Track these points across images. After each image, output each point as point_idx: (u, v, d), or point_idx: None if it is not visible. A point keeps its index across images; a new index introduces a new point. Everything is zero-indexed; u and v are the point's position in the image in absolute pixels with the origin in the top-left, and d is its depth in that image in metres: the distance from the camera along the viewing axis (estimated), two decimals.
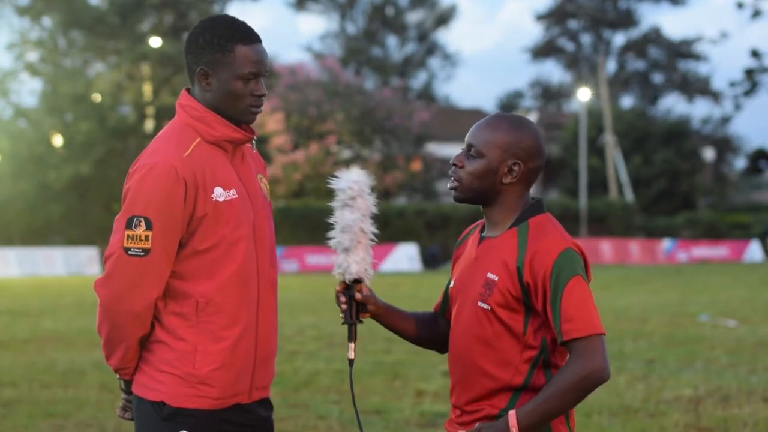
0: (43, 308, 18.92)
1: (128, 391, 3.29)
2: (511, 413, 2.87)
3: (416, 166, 46.77)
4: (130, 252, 3.08)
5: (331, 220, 3.08)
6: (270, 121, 42.40)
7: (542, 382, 2.97)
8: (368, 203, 3.07)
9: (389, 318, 3.20)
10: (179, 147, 3.14)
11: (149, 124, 44.73)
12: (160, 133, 3.25)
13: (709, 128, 66.50)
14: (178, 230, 3.11)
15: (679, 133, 55.71)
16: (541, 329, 2.96)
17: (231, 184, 3.18)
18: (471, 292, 3.03)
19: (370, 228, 3.07)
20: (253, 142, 3.34)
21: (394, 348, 12.40)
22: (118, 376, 3.28)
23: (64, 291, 24.58)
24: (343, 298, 3.11)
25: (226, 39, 3.15)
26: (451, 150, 58.42)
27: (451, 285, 3.16)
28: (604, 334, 2.89)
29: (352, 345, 3.12)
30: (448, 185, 3.09)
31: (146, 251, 3.07)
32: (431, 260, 38.32)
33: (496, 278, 2.96)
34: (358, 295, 3.10)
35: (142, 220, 3.07)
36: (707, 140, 63.62)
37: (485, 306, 2.98)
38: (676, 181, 55.04)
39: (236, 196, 3.18)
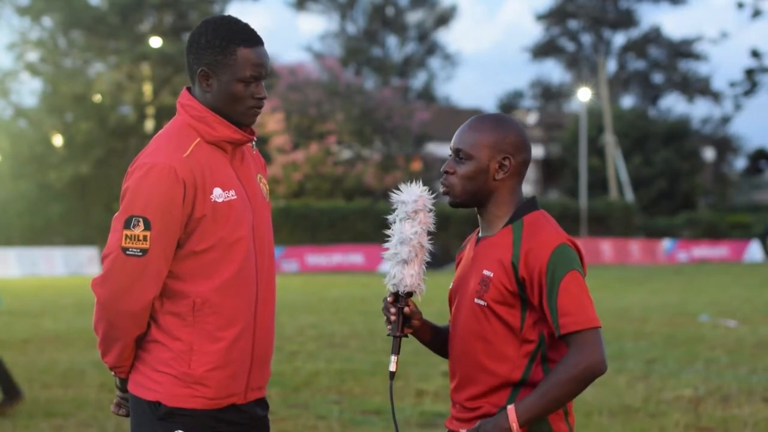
0: (43, 308, 18.91)
1: (123, 388, 3.30)
2: (510, 407, 2.90)
3: (416, 166, 46.74)
4: (128, 252, 3.07)
5: (388, 232, 3.09)
6: (270, 121, 42.39)
7: (540, 377, 2.99)
8: (429, 219, 3.10)
9: (427, 334, 3.21)
10: (179, 147, 3.14)
11: (149, 124, 44.74)
12: (160, 132, 3.24)
13: (709, 128, 66.52)
14: (176, 231, 3.10)
15: (679, 133, 55.71)
16: (538, 324, 2.99)
17: (230, 184, 3.18)
18: (467, 290, 3.07)
19: (428, 244, 3.10)
20: (254, 142, 3.34)
21: None
22: (113, 373, 3.29)
23: (64, 291, 24.57)
24: (393, 310, 3.11)
25: (228, 41, 3.14)
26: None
27: (450, 287, 3.20)
28: (600, 327, 2.92)
29: (394, 358, 3.11)
30: (441, 191, 3.13)
31: (144, 251, 3.07)
32: (431, 260, 38.27)
33: (492, 274, 3.00)
34: (407, 309, 3.11)
35: (141, 220, 3.07)
36: (707, 140, 63.65)
37: (481, 302, 3.01)
38: (676, 181, 55.06)
39: (235, 197, 3.17)
